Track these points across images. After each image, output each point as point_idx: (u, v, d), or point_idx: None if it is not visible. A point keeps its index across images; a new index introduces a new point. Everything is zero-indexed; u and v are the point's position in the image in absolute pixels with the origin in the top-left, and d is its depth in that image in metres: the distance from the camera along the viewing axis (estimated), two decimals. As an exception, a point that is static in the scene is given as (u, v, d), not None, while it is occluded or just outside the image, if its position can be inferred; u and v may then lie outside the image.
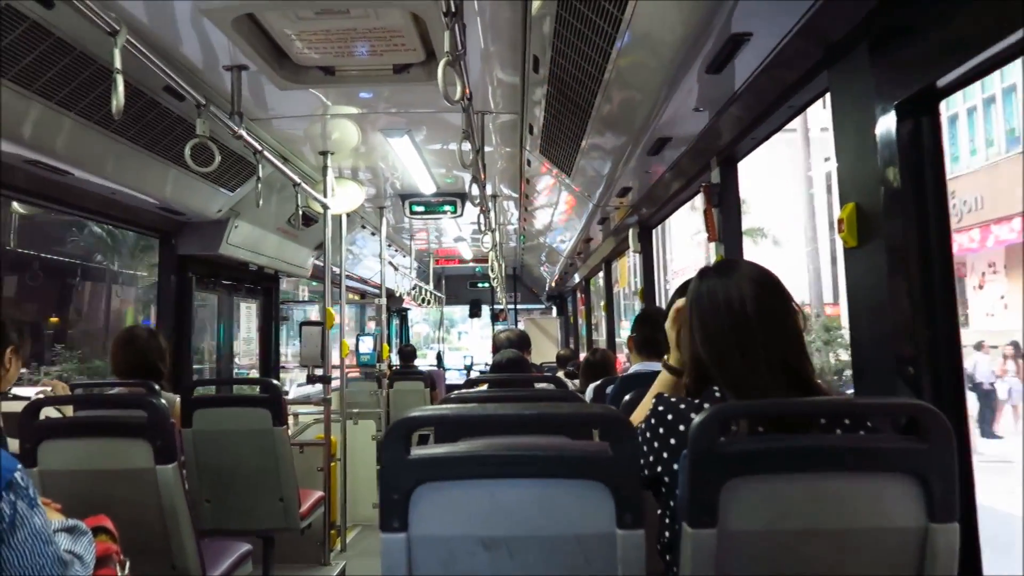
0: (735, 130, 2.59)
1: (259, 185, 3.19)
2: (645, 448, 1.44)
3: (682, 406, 1.42)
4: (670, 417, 1.42)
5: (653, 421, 1.44)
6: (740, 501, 1.17)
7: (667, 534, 1.40)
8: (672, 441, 1.40)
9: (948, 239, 1.58)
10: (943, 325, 1.57)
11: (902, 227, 1.59)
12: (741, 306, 1.34)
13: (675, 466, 1.34)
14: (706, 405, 1.31)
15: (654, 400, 1.48)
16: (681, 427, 1.39)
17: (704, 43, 1.86)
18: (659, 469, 1.41)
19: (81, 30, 2.25)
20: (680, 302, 1.61)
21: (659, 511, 1.43)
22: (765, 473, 1.19)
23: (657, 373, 2.16)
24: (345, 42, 2.64)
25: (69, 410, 2.71)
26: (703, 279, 1.45)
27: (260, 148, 3.08)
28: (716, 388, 1.40)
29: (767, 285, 1.38)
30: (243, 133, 2.84)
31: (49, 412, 2.55)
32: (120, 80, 1.95)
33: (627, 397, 1.87)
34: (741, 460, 1.19)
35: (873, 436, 1.31)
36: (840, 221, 1.74)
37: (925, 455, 1.18)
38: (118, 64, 1.95)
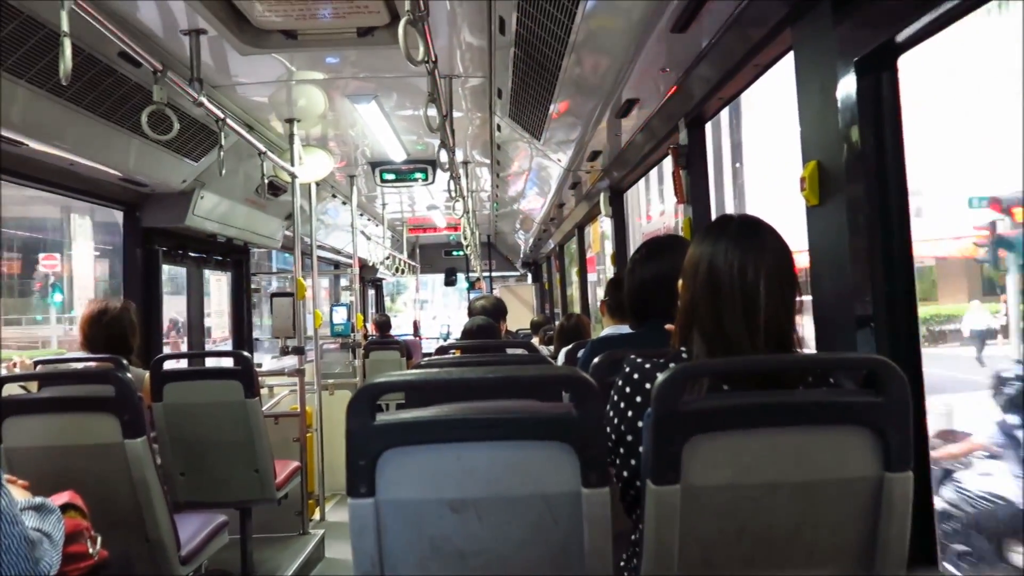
0: (702, 90, 2.58)
1: (221, 154, 3.12)
2: (612, 412, 1.45)
3: (648, 365, 1.44)
4: (636, 376, 1.43)
5: (621, 382, 1.45)
6: (703, 457, 1.19)
7: (631, 491, 1.42)
8: (638, 399, 1.42)
9: (905, 197, 1.60)
10: (900, 282, 1.60)
11: (863, 186, 1.61)
12: (755, 280, 1.30)
13: (639, 423, 1.36)
14: (672, 364, 1.32)
15: (624, 362, 1.47)
16: (647, 385, 1.40)
17: (669, 0, 1.85)
18: (623, 428, 1.43)
19: (26, -8, 2.16)
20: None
21: (614, 479, 1.44)
22: (727, 429, 1.20)
23: (627, 336, 2.17)
24: (307, 3, 2.57)
25: (34, 386, 2.66)
26: (722, 236, 1.35)
27: (223, 116, 3.00)
28: (683, 349, 1.41)
29: (783, 266, 1.32)
30: (204, 100, 2.76)
31: (13, 388, 2.50)
32: (67, 44, 1.88)
33: (596, 360, 1.88)
34: (704, 417, 1.20)
35: (832, 390, 1.34)
36: (802, 179, 1.75)
37: (882, 408, 1.20)
38: (65, 27, 1.88)
